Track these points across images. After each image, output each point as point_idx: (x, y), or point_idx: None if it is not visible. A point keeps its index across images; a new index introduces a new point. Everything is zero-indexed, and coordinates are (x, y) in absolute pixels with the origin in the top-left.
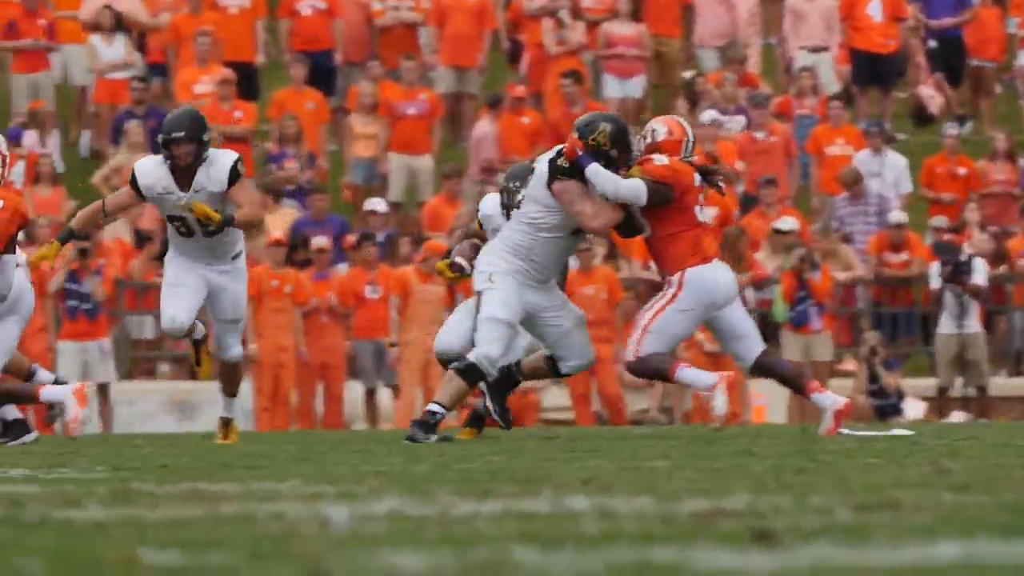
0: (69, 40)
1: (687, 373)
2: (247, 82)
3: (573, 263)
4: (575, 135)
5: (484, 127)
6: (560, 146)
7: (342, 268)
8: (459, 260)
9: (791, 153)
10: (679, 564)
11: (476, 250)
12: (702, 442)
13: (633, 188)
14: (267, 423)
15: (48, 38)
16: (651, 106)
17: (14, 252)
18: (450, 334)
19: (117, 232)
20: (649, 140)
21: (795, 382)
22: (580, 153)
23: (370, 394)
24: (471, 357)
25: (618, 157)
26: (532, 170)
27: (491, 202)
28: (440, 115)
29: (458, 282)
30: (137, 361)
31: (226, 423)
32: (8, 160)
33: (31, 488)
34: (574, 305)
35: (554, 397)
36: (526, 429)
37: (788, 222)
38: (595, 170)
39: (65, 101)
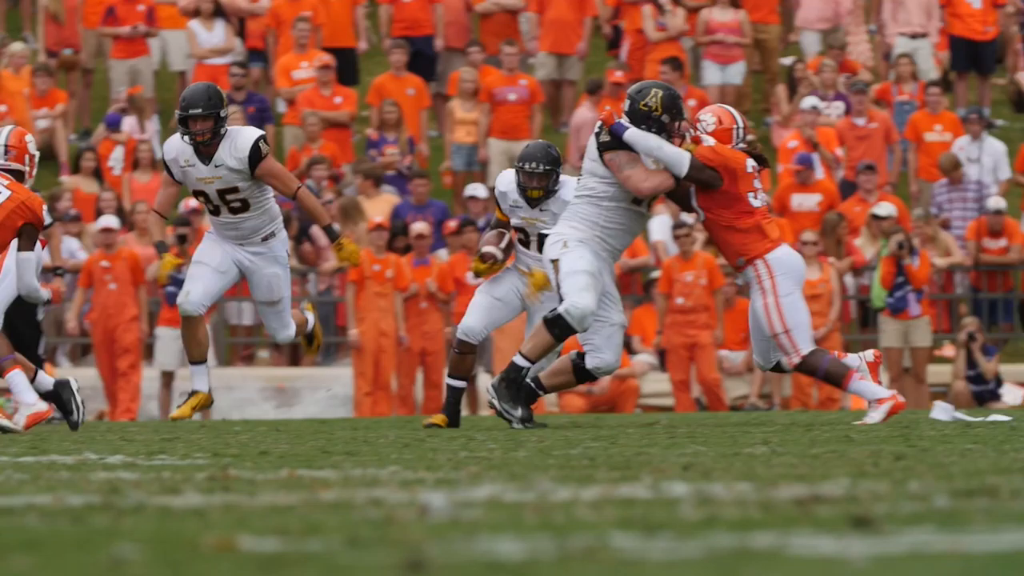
0: (168, 26)
1: (859, 385)
2: (347, 68)
3: (673, 249)
4: (627, 103)
5: (584, 113)
6: (619, 124)
7: (442, 254)
8: (488, 249)
9: (892, 139)
10: (777, 550)
11: (502, 237)
12: (801, 428)
13: (677, 154)
14: (368, 409)
15: (147, 24)
16: (751, 93)
17: (31, 250)
18: (474, 316)
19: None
20: (698, 131)
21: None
22: (617, 120)
23: (470, 380)
24: (560, 308)
25: (669, 124)
26: (548, 150)
27: (506, 179)
28: (540, 101)
29: (492, 272)
30: (236, 347)
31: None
32: (34, 160)
33: (130, 475)
34: (622, 308)
35: (654, 383)
36: (626, 416)
37: (886, 208)
38: (633, 133)
39: (164, 87)
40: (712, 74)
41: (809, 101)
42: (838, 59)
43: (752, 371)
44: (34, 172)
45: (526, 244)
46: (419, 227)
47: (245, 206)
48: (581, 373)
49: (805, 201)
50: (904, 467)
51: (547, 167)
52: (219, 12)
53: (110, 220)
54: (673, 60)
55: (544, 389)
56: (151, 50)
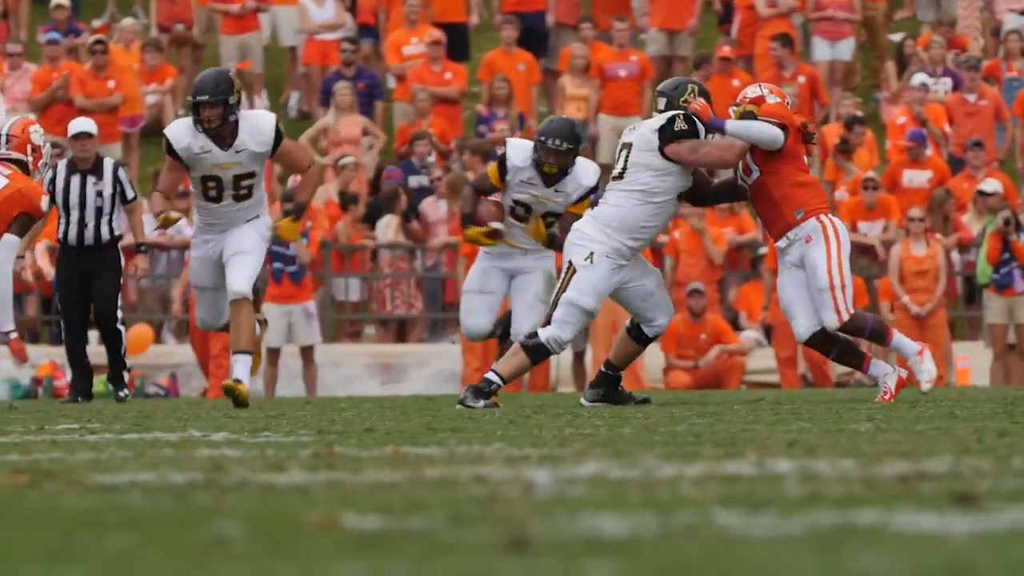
0: (279, 1)
1: (898, 339)
2: (457, 43)
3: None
4: (663, 100)
5: None
6: (671, 114)
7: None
8: (496, 225)
9: (1003, 117)
10: (881, 527)
11: (501, 210)
12: (906, 405)
13: (772, 129)
14: None
15: (258, 0)
16: (859, 69)
17: (18, 235)
18: (480, 316)
19: (328, 194)
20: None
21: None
22: (712, 116)
23: (578, 357)
24: (541, 337)
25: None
26: (573, 128)
27: (523, 153)
28: (651, 77)
29: (494, 245)
30: (342, 324)
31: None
32: (40, 150)
33: (234, 452)
34: (650, 264)
35: (759, 360)
36: (732, 392)
37: (992, 184)
38: (735, 124)
39: (274, 63)
40: (822, 50)
41: (918, 78)
42: (947, 35)
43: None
44: (42, 162)
45: (523, 219)
46: None
47: (250, 193)
48: (643, 338)
49: (915, 177)
50: (1008, 444)
51: (569, 145)
52: None
53: None
54: (783, 36)
55: (618, 368)
56: (262, 25)
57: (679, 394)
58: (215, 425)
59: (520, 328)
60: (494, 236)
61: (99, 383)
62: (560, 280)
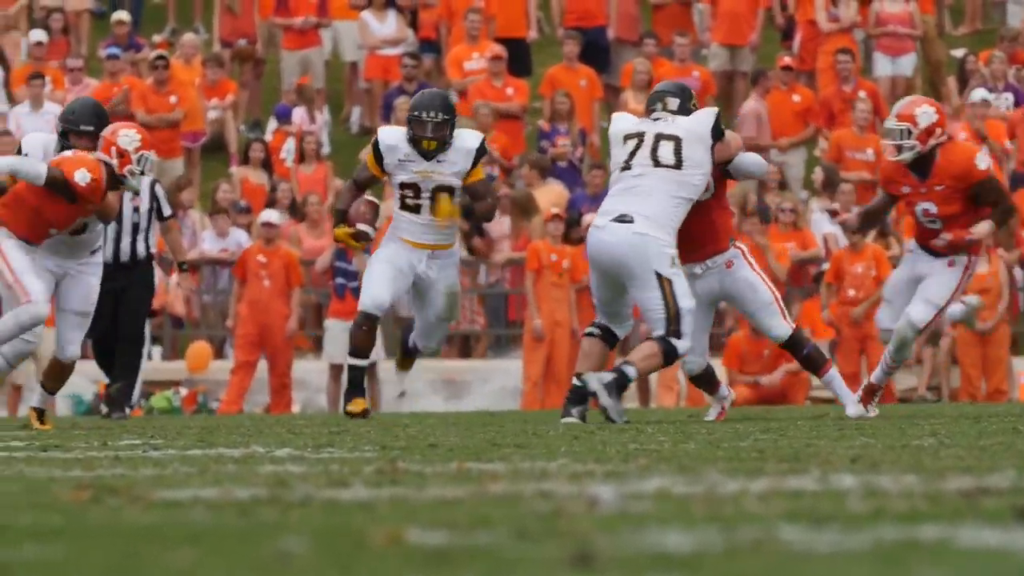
0: (340, 16)
1: (834, 378)
2: (519, 59)
3: (843, 241)
4: (676, 101)
5: (752, 104)
6: (713, 110)
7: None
8: (363, 228)
9: None
10: (944, 542)
11: (375, 209)
12: (969, 420)
13: (762, 162)
14: (538, 401)
15: (319, 15)
16: (920, 84)
17: None
18: (381, 287)
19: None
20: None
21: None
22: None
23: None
24: (678, 347)
25: None
26: (445, 98)
27: (394, 134)
28: (712, 93)
29: (360, 249)
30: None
31: (41, 413)
32: (126, 156)
33: (297, 467)
34: None
35: None
36: (796, 408)
37: None
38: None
39: (335, 78)
40: (883, 66)
41: (979, 93)
42: (1008, 51)
43: (920, 363)
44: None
45: (414, 207)
46: (591, 218)
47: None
48: (613, 340)
49: None
50: None
51: (444, 116)
52: (391, 3)
53: (272, 215)
54: (848, 51)
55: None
56: (323, 41)
57: (743, 410)
58: (279, 441)
59: (421, 344)
60: (360, 238)
61: (161, 399)
62: (662, 293)
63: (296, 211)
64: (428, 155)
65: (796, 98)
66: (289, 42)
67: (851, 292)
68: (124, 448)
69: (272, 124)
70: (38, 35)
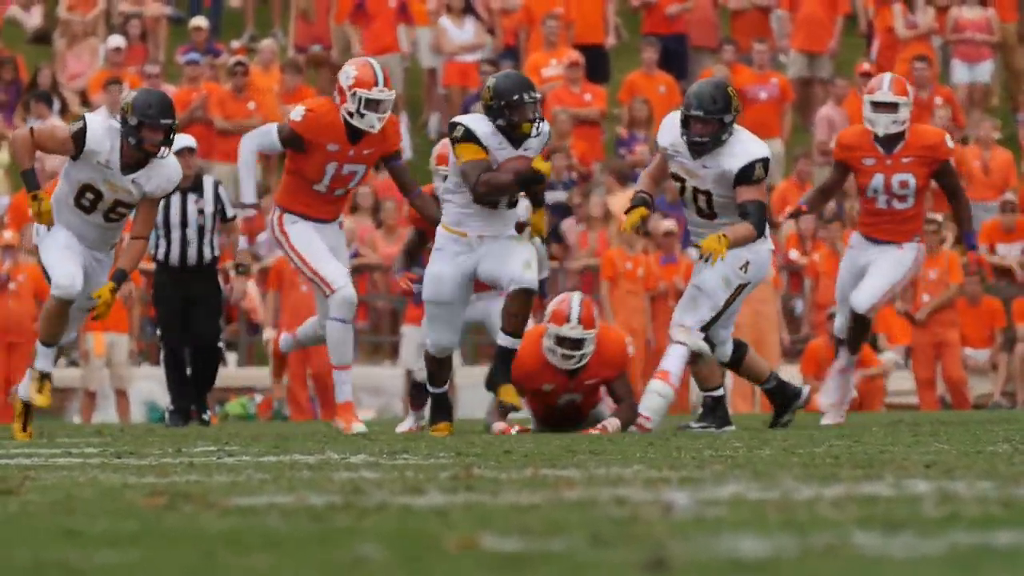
0: (419, 22)
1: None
2: (597, 65)
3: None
4: (709, 128)
5: (826, 110)
6: (752, 160)
7: (692, 252)
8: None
9: None
10: (1019, 548)
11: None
12: None
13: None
14: None
15: (400, 19)
16: (998, 91)
17: None
18: (448, 334)
19: None
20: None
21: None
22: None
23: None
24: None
25: None
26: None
27: (481, 123)
28: (791, 100)
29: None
30: (481, 345)
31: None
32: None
33: (372, 474)
34: None
35: (899, 381)
36: (871, 414)
37: None
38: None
39: (414, 83)
40: (961, 72)
41: None
42: None
43: (995, 369)
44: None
45: (494, 200)
46: (667, 225)
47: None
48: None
49: None
50: None
51: (537, 95)
52: (470, 9)
53: None
54: (926, 58)
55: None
56: (402, 46)
57: (819, 416)
58: (354, 447)
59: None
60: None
61: (236, 405)
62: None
63: (375, 216)
64: (518, 141)
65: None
66: (367, 48)
67: (925, 297)
68: (198, 455)
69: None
70: (116, 41)
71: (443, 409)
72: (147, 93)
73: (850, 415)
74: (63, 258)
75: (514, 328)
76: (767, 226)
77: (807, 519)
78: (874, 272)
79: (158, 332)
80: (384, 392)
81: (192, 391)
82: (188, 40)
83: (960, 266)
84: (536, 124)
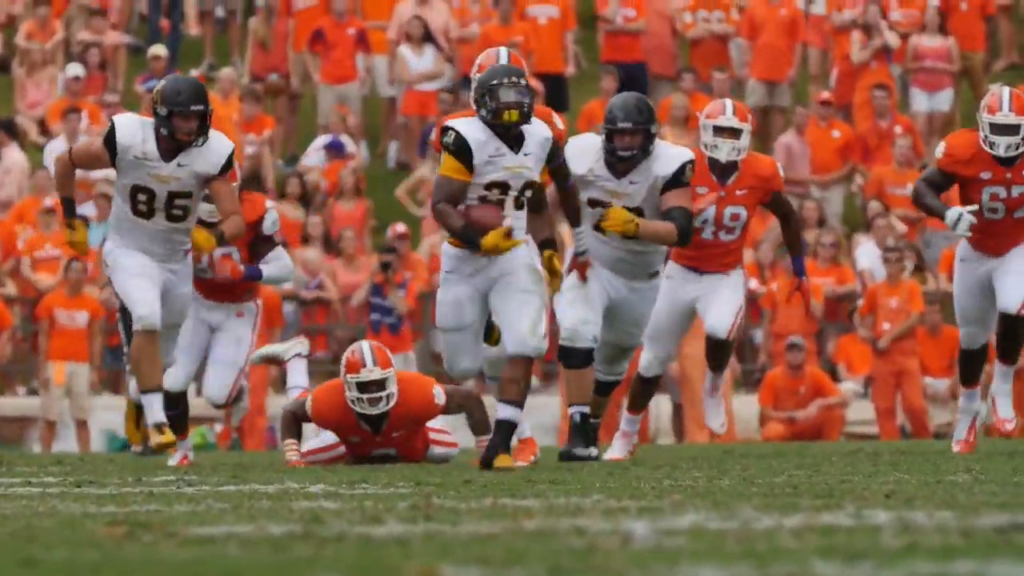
0: (377, 50)
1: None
2: (557, 94)
3: (883, 273)
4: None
5: (785, 139)
6: (684, 161)
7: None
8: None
9: None
10: None
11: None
12: (1003, 456)
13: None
14: None
15: (358, 48)
16: (959, 120)
17: None
18: (469, 359)
19: (432, 246)
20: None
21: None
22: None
23: (677, 409)
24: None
25: None
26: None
27: (474, 126)
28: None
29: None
30: (441, 375)
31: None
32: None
33: (332, 504)
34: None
35: (859, 411)
36: (831, 444)
37: None
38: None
39: (372, 112)
40: (920, 101)
41: None
42: None
43: (955, 399)
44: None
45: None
46: None
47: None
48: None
49: None
50: None
51: (526, 81)
52: (429, 38)
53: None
54: (885, 86)
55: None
56: (359, 75)
57: (777, 445)
58: (313, 477)
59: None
60: (511, 236)
61: (196, 435)
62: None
63: (331, 246)
64: (516, 145)
65: (836, 134)
66: (326, 76)
67: (885, 326)
68: (158, 484)
69: (314, 158)
70: (75, 69)
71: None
72: (176, 80)
73: (808, 445)
74: (137, 286)
75: (513, 396)
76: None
77: (767, 549)
78: (719, 298)
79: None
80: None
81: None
82: (147, 69)
83: (921, 295)
84: (521, 113)
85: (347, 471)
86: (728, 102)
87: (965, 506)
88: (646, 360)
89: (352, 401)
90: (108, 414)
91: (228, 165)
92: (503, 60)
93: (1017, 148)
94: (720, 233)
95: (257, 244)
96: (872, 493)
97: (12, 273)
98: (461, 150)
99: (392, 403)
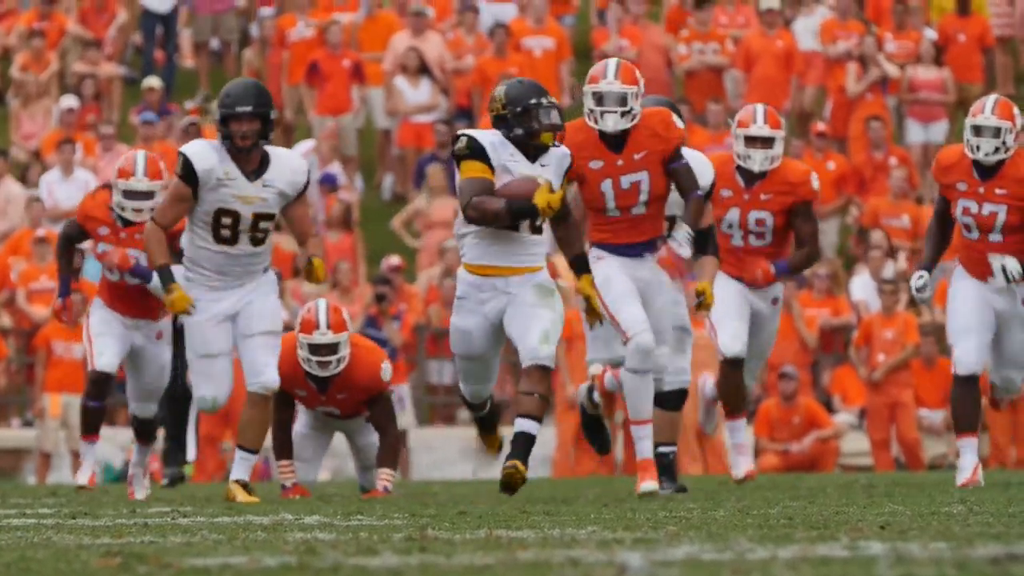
0: (373, 83)
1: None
2: None
3: (876, 304)
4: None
5: None
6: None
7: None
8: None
9: None
10: None
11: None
12: (998, 487)
13: None
14: (567, 468)
15: (353, 80)
16: None
17: None
18: (489, 382)
19: (430, 279)
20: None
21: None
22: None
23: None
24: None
25: None
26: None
27: (487, 134)
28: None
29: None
30: (436, 407)
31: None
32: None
33: (326, 535)
34: None
35: (853, 442)
36: (826, 475)
37: None
38: None
39: (368, 144)
40: (915, 132)
41: None
42: None
43: (950, 429)
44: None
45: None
46: None
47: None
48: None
49: None
50: None
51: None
52: (425, 69)
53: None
54: (879, 117)
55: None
56: (355, 106)
57: (773, 477)
58: (307, 508)
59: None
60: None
61: (191, 466)
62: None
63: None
64: (535, 155)
65: (831, 165)
66: (321, 108)
67: (880, 357)
68: (153, 515)
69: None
70: (69, 101)
71: (488, 425)
72: (231, 83)
73: (803, 476)
74: (203, 370)
75: (529, 410)
76: None
77: None
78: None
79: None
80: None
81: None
82: (142, 100)
83: (916, 327)
84: (557, 135)
85: (342, 503)
86: (759, 109)
87: (960, 537)
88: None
89: (302, 360)
90: (104, 446)
91: (307, 185)
92: (611, 73)
93: (996, 151)
94: (749, 238)
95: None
96: (867, 524)
97: (7, 304)
98: (475, 151)
99: (341, 367)
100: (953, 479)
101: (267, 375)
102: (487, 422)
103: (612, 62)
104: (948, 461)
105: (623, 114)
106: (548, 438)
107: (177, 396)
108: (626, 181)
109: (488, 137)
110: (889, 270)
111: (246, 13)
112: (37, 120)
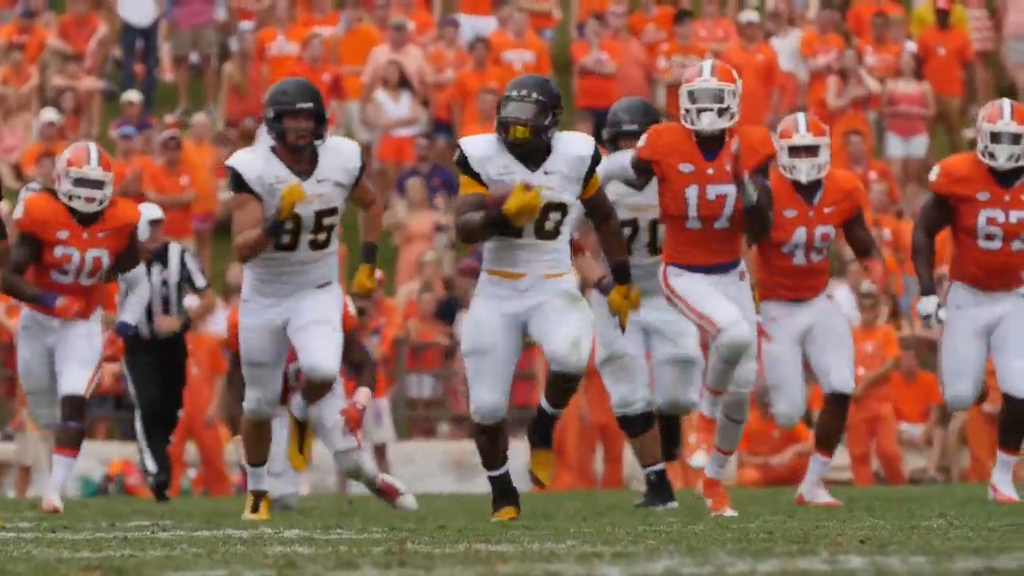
0: (353, 96)
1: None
2: None
3: (856, 318)
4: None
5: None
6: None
7: None
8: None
9: None
10: None
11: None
12: (978, 502)
13: None
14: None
15: (332, 94)
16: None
17: None
18: (500, 393)
19: (410, 293)
20: None
21: None
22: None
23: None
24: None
25: None
26: (547, 81)
27: (480, 142)
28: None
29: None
30: (415, 421)
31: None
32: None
33: (306, 548)
34: None
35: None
36: None
37: None
38: None
39: None
40: (895, 146)
41: None
42: None
43: (930, 444)
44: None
45: (517, 230)
46: None
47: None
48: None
49: None
50: None
51: (540, 97)
52: (405, 83)
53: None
54: (856, 132)
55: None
56: (336, 120)
57: (752, 491)
58: (287, 522)
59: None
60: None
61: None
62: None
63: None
64: (536, 162)
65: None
66: None
67: (860, 371)
68: (133, 529)
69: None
70: (49, 115)
71: (507, 492)
72: (282, 81)
73: (783, 491)
74: (250, 375)
75: (555, 401)
76: None
77: None
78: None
79: (135, 400)
80: (318, 468)
81: (168, 461)
82: (121, 114)
83: (896, 340)
84: (531, 130)
85: (321, 516)
86: (801, 117)
87: (939, 551)
88: (784, 415)
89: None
90: (83, 460)
91: (363, 168)
92: (706, 73)
93: (1018, 159)
94: (811, 255)
95: (124, 258)
96: (846, 538)
97: None
98: (463, 165)
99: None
100: (934, 493)
101: (315, 358)
102: (542, 428)
103: (708, 62)
104: (928, 475)
105: (720, 112)
106: (526, 453)
107: (160, 414)
108: (712, 192)
109: (481, 147)
110: (868, 284)
111: (226, 27)
112: (17, 133)
